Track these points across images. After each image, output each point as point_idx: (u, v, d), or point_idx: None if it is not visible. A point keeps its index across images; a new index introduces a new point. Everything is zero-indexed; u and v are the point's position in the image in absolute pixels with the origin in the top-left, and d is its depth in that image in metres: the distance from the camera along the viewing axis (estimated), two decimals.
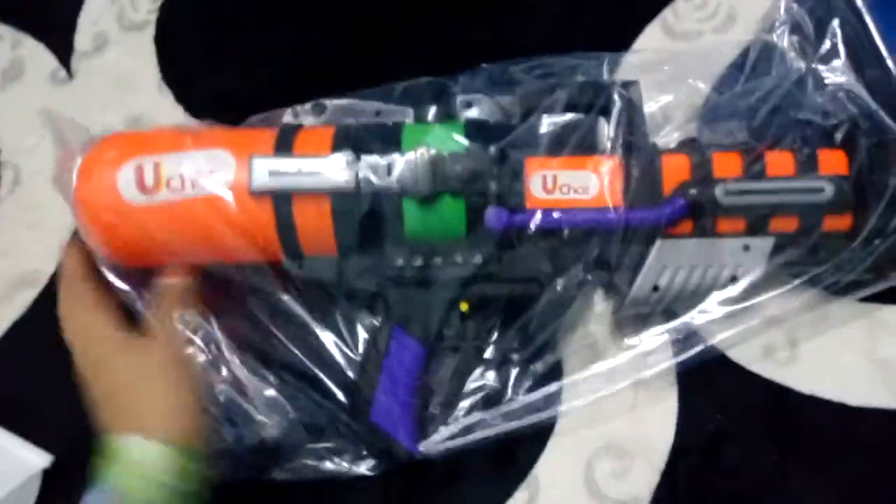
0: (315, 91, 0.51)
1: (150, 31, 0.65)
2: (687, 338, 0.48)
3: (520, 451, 0.48)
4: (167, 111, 0.61)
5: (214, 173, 0.44)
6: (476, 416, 0.46)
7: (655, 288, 0.46)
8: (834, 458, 0.45)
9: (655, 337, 0.48)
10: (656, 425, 0.47)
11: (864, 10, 0.45)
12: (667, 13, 0.57)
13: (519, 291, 0.46)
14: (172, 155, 0.44)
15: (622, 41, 0.54)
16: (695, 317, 0.47)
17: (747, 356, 0.48)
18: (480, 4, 0.61)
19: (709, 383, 0.48)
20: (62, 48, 0.66)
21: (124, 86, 0.63)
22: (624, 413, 0.48)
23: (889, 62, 0.46)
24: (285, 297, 0.47)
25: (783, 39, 0.47)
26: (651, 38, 0.57)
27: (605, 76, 0.49)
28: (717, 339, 0.47)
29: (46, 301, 0.57)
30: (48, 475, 0.52)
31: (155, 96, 0.62)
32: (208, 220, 0.44)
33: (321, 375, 0.47)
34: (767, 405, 0.47)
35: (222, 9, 0.66)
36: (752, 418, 0.47)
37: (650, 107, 0.48)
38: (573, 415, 0.48)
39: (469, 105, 0.48)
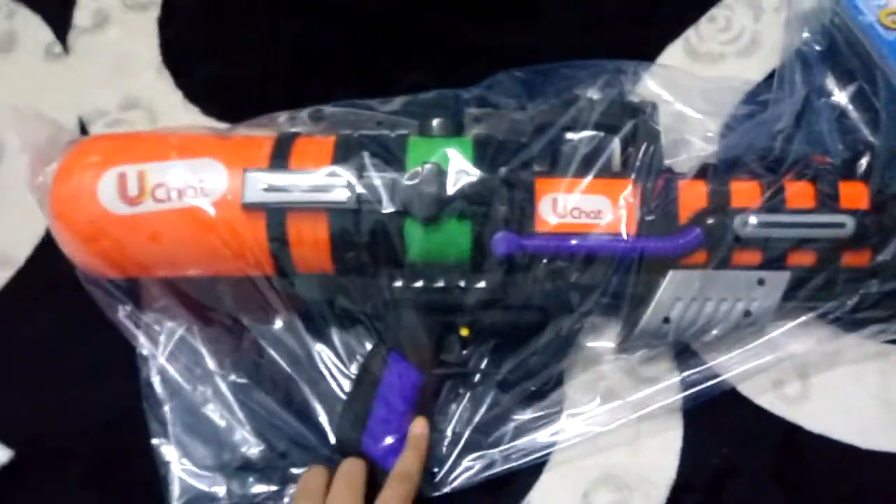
0: (316, 90, 0.48)
1: (155, 12, 0.62)
2: (697, 370, 0.46)
3: (515, 477, 0.46)
4: (165, 95, 0.59)
5: (203, 184, 0.41)
6: (479, 456, 0.44)
7: (666, 320, 0.44)
8: (842, 503, 0.44)
9: (664, 369, 0.46)
10: (658, 457, 0.46)
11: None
12: (689, 33, 0.55)
13: (524, 319, 0.44)
14: (158, 163, 0.41)
15: (643, 58, 0.52)
16: (707, 351, 0.45)
17: (757, 390, 0.46)
18: (495, 11, 0.58)
19: (715, 416, 0.46)
20: (60, 23, 0.62)
21: (122, 66, 0.60)
22: (625, 443, 0.46)
23: None
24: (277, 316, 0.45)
25: (796, 72, 0.45)
26: (672, 58, 0.55)
27: (625, 92, 0.47)
28: (728, 372, 0.46)
29: (17, 285, 0.53)
30: (6, 471, 0.49)
31: (153, 79, 0.59)
32: (194, 233, 0.41)
33: (312, 401, 0.44)
34: (775, 442, 0.46)
35: None
36: (759, 455, 0.45)
37: (668, 129, 0.46)
38: (572, 441, 0.46)
39: (478, 120, 0.45)
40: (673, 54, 0.55)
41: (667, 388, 0.46)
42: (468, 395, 0.45)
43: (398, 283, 0.43)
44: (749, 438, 0.46)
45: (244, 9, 0.62)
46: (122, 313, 0.47)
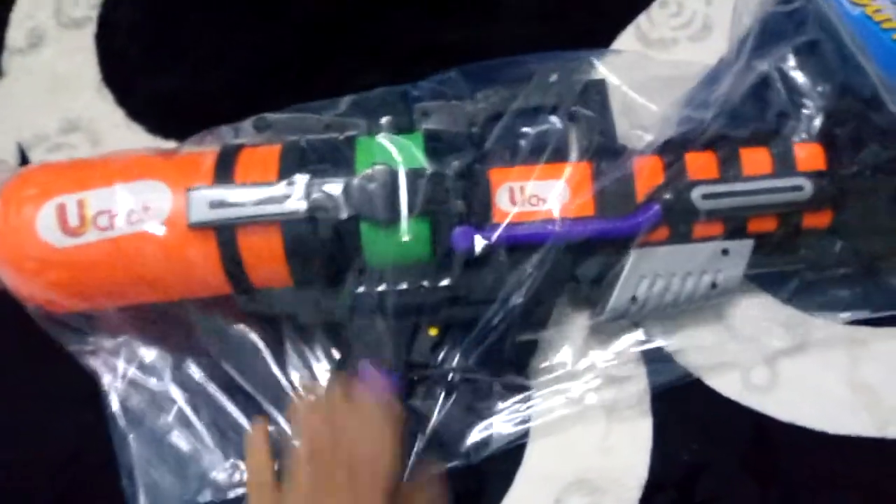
0: (268, 97, 0.47)
1: (91, 29, 0.60)
2: (663, 366, 0.45)
3: (487, 486, 0.45)
4: (106, 115, 0.56)
5: (147, 208, 0.39)
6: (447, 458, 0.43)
7: (633, 299, 0.43)
8: (815, 491, 0.43)
9: (631, 367, 0.45)
10: (629, 457, 0.45)
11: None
12: (641, 19, 0.54)
13: (491, 313, 0.43)
14: (97, 190, 0.40)
15: (595, 47, 0.50)
16: (673, 345, 0.45)
17: (725, 382, 0.46)
18: (450, 5, 0.57)
19: (684, 411, 0.45)
20: None
21: (60, 87, 0.58)
22: (596, 444, 0.45)
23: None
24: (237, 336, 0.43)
25: (744, 54, 0.45)
26: (624, 45, 0.54)
27: (578, 81, 0.46)
28: (695, 365, 0.45)
29: None
30: None
31: (94, 99, 0.57)
32: (143, 258, 0.40)
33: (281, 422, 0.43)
34: (746, 434, 0.45)
35: (170, 6, 0.60)
36: (730, 448, 0.45)
37: (622, 109, 0.45)
38: (542, 447, 0.45)
39: (427, 114, 0.44)
40: (625, 41, 0.54)
41: (634, 386, 0.46)
42: (439, 394, 0.45)
43: (360, 290, 0.42)
44: (719, 431, 0.45)
45: (187, 18, 0.60)
46: (79, 346, 0.46)
